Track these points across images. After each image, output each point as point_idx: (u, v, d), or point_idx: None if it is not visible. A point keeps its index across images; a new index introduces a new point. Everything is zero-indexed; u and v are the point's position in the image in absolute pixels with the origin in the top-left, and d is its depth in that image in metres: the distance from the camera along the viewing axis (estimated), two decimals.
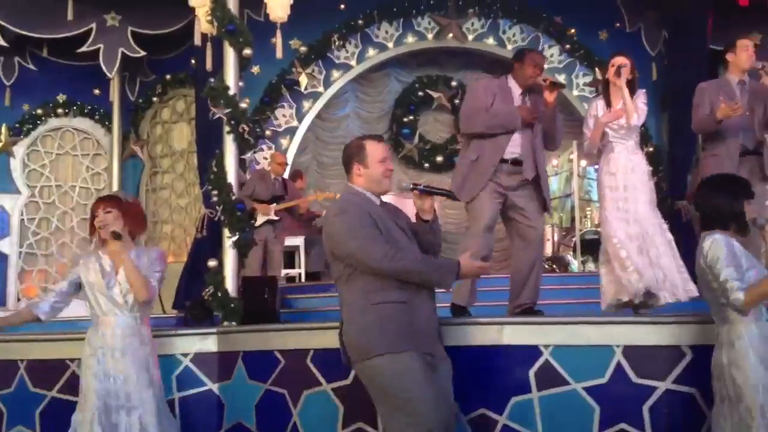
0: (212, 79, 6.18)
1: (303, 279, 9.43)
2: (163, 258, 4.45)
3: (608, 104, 5.41)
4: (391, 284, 3.59)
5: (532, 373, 4.20)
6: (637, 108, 5.30)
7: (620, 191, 5.26)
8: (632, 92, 5.34)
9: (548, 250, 10.50)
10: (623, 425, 4.10)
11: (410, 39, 10.39)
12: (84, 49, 9.45)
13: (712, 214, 3.73)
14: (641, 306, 5.21)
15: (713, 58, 9.00)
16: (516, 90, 5.15)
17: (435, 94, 11.24)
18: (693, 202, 8.10)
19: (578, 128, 10.61)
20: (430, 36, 10.38)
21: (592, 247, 9.82)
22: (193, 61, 8.32)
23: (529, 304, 5.08)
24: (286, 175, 9.29)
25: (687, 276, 5.19)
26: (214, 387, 5.11)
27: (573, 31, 10.24)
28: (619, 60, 5.36)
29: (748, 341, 3.56)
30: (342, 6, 10.09)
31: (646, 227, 5.21)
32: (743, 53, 5.45)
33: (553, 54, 10.30)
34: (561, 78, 10.11)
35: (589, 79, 10.21)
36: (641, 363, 4.14)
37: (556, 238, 10.62)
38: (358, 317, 3.66)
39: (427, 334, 3.67)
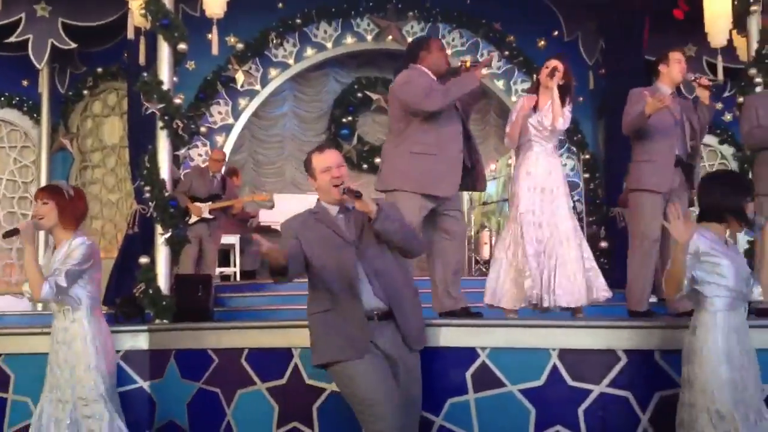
0: (145, 74, 6.04)
1: (238, 278, 9.30)
2: (86, 248, 4.20)
3: (536, 104, 5.41)
4: (319, 294, 3.71)
5: (468, 375, 4.21)
6: (563, 113, 5.33)
7: (537, 192, 5.26)
8: (564, 97, 5.35)
9: (485, 253, 10.57)
10: (558, 427, 4.12)
11: (349, 40, 10.34)
12: (13, 39, 9.16)
13: (711, 208, 3.74)
14: (577, 311, 5.26)
15: (649, 69, 9.17)
16: (432, 77, 5.01)
17: (374, 96, 11.23)
18: (624, 207, 8.27)
19: None
20: (369, 37, 10.36)
21: None
22: (125, 55, 8.14)
23: (465, 304, 4.98)
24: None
25: (595, 279, 5.26)
26: (145, 385, 5.05)
27: (512, 38, 10.34)
28: (554, 63, 5.37)
29: (710, 329, 3.58)
30: (280, 4, 9.99)
31: (556, 232, 5.23)
32: (676, 65, 5.50)
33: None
34: (500, 84, 10.28)
35: (527, 85, 10.28)
36: (577, 366, 4.17)
37: (492, 242, 10.68)
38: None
39: (364, 335, 3.63)
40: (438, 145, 4.85)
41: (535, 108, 5.37)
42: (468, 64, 4.97)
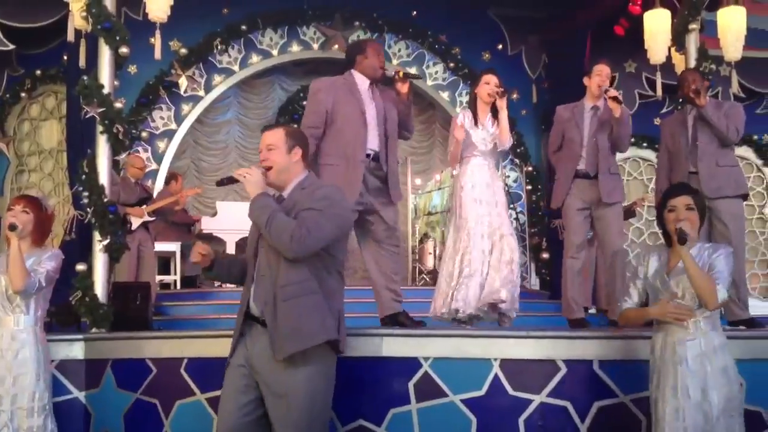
0: (85, 77, 5.91)
1: (178, 286, 9.15)
2: (55, 258, 4.36)
3: (475, 117, 5.45)
4: None
5: (411, 384, 4.20)
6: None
7: (483, 205, 5.30)
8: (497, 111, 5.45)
9: (429, 263, 10.60)
10: None
11: (295, 48, 10.33)
12: None
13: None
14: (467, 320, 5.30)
15: None
16: (363, 83, 4.98)
17: None
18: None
19: None
20: (315, 46, 10.36)
21: None
22: (65, 57, 7.98)
23: (399, 309, 4.96)
24: (161, 179, 9.06)
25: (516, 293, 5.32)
26: (81, 395, 4.97)
27: (457, 50, 10.44)
28: (495, 79, 5.43)
29: (653, 345, 3.68)
30: (225, 10, 9.93)
31: (495, 241, 5.29)
32: (595, 78, 5.63)
33: (437, 71, 10.47)
34: (444, 96, 10.35)
35: None
36: (517, 376, 4.20)
37: (437, 252, 10.72)
38: None
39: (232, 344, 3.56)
40: (341, 155, 4.84)
41: (476, 123, 5.41)
42: (401, 74, 4.99)
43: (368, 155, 4.87)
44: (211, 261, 3.66)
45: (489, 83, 5.41)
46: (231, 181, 3.65)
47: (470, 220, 5.28)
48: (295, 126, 3.85)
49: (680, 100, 6.10)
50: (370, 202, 4.88)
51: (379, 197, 4.93)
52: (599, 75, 5.60)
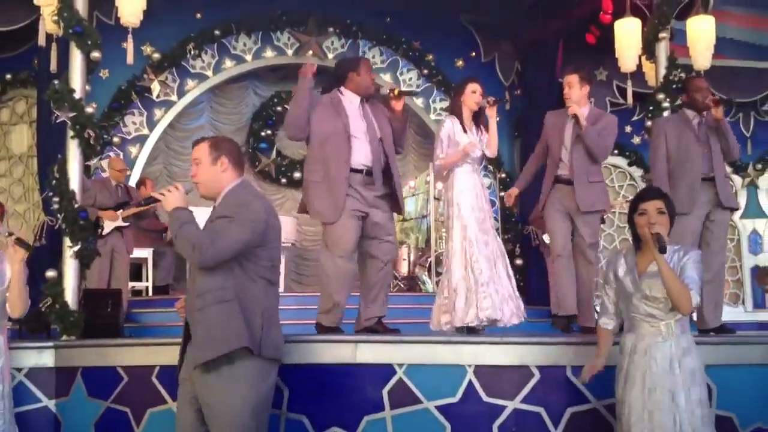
0: (56, 81, 5.86)
1: (150, 292, 9.06)
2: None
3: (463, 126, 5.45)
4: None
5: (385, 391, 4.21)
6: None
7: (477, 211, 5.29)
8: (481, 120, 5.48)
9: (404, 269, 10.61)
10: None
11: (269, 53, 10.30)
12: None
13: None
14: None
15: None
16: (353, 101, 5.00)
17: None
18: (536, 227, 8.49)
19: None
20: (289, 51, 10.34)
21: None
22: (36, 61, 7.91)
23: (378, 316, 4.97)
24: (133, 184, 8.98)
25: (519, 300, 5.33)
26: (51, 404, 4.92)
27: (431, 57, 10.47)
28: (479, 87, 5.44)
29: (620, 350, 3.74)
30: (198, 15, 9.89)
31: (492, 251, 5.30)
32: (565, 89, 5.75)
33: (411, 77, 10.49)
34: (418, 102, 10.37)
35: (446, 104, 10.42)
36: (492, 382, 4.23)
37: (411, 258, 10.74)
38: None
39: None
40: (324, 173, 4.87)
41: (464, 131, 5.41)
42: (396, 92, 5.02)
43: (360, 170, 4.89)
44: None
45: (476, 92, 5.41)
46: (152, 200, 3.70)
47: (470, 227, 5.23)
48: (221, 135, 3.84)
49: (680, 103, 6.12)
50: (368, 214, 4.92)
51: (377, 210, 4.98)
52: (568, 85, 5.70)
